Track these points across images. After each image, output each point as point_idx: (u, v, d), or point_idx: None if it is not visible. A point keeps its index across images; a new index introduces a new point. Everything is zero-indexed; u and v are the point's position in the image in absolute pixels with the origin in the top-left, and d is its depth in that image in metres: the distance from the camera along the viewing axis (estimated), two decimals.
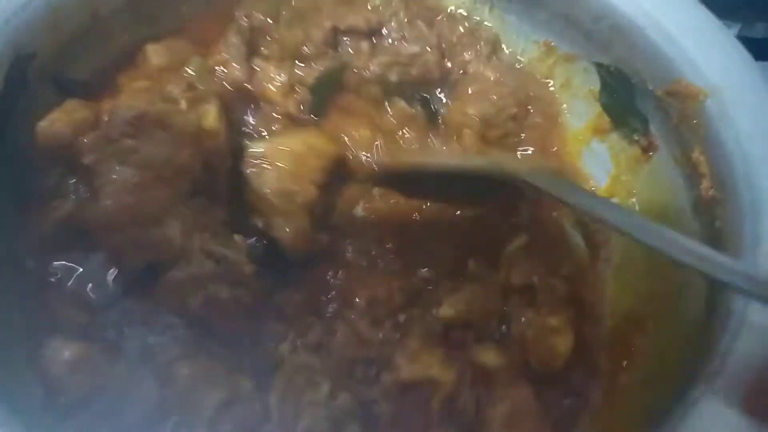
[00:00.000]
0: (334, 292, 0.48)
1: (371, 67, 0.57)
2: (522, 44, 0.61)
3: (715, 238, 0.44)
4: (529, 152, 0.58)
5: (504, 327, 0.48)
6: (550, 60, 0.60)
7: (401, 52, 0.58)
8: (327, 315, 0.47)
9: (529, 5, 0.59)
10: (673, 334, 0.45)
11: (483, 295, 0.48)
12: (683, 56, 0.48)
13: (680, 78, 0.48)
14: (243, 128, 0.53)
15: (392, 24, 0.58)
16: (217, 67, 0.54)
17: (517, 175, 0.44)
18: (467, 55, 0.59)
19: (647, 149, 0.53)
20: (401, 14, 0.59)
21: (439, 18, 0.60)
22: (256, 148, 0.49)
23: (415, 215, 0.53)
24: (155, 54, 0.54)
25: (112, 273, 0.44)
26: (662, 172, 0.52)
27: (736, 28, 0.86)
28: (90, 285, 0.44)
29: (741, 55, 0.47)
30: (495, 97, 0.57)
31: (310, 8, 0.59)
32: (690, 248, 0.33)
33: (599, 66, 0.56)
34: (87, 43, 0.52)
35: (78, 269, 0.44)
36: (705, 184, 0.46)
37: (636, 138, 0.54)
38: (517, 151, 0.58)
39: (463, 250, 0.51)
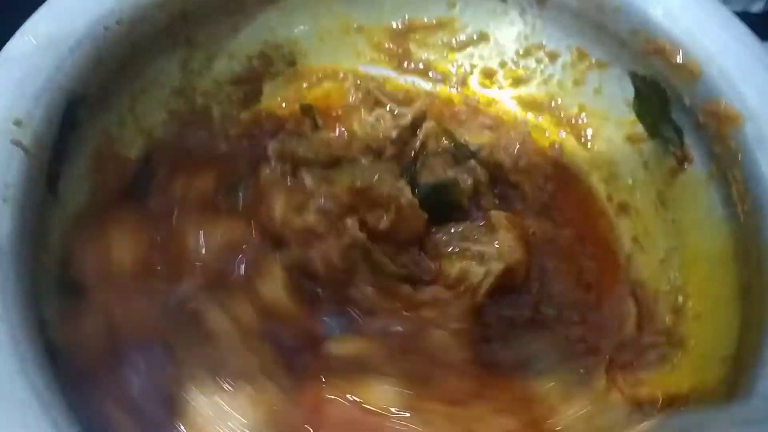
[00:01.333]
0: None
1: None
2: (554, 48, 0.63)
3: (746, 257, 0.48)
4: None
5: None
6: (583, 65, 0.62)
7: None
8: None
9: (561, 11, 0.60)
10: None
11: None
12: (722, 76, 0.49)
13: (719, 98, 0.50)
14: None
15: None
16: None
17: None
18: None
19: (682, 161, 0.55)
20: None
21: None
22: None
23: None
24: None
25: None
26: (697, 185, 0.54)
27: (761, 3, 0.86)
28: None
29: None
30: None
31: None
32: None
33: (634, 75, 0.58)
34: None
35: None
36: (740, 206, 0.49)
37: (671, 149, 0.56)
38: None
39: None
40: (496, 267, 0.52)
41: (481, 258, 0.52)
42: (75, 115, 0.48)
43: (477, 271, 0.52)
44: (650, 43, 0.54)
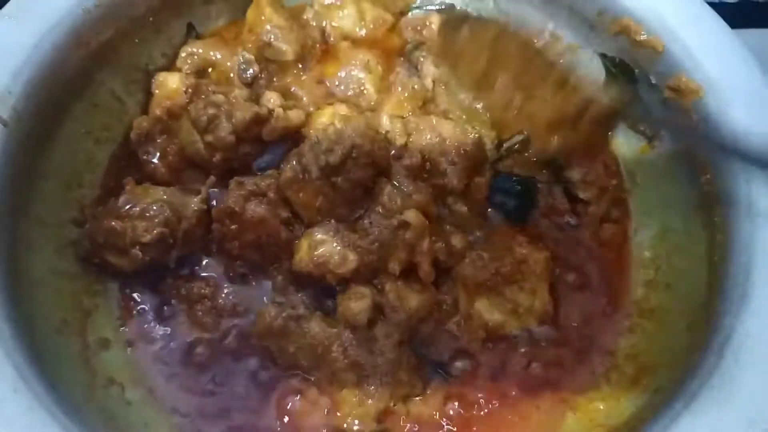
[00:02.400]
0: None
1: None
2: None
3: (715, 228, 0.49)
4: None
5: None
6: (556, 49, 0.63)
7: None
8: None
9: None
10: None
11: None
12: (684, 51, 0.52)
13: (680, 73, 0.52)
14: None
15: None
16: None
17: None
18: None
19: (651, 139, 0.57)
20: None
21: None
22: None
23: None
24: None
25: None
26: (666, 162, 0.56)
27: None
28: None
29: (740, 49, 0.51)
30: None
31: None
32: None
33: (604, 57, 0.60)
34: None
35: None
36: (704, 177, 0.50)
37: (641, 128, 0.58)
38: None
39: None
40: (532, 324, 0.53)
41: (515, 310, 0.53)
42: (54, 92, 0.51)
43: (512, 325, 0.53)
44: (616, 23, 0.56)
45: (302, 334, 0.49)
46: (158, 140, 0.56)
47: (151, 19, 0.58)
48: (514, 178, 0.58)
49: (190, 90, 0.56)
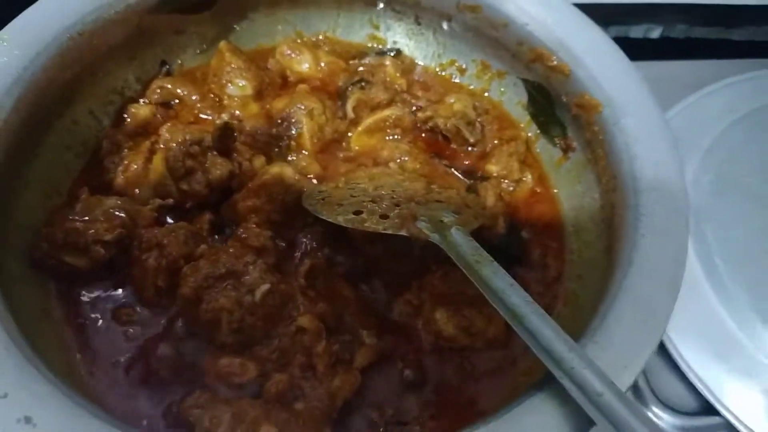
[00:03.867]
0: None
1: None
2: (463, 62, 0.75)
3: (612, 225, 0.58)
4: None
5: None
6: (486, 75, 0.74)
7: None
8: None
9: (465, 30, 0.73)
10: None
11: None
12: (587, 74, 0.62)
13: (584, 92, 0.62)
14: None
15: None
16: None
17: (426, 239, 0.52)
18: None
19: (566, 151, 0.67)
20: None
21: None
22: None
23: None
24: None
25: None
26: (579, 170, 0.66)
27: (658, 30, 1.02)
28: None
29: (632, 70, 0.62)
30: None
31: None
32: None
33: (525, 81, 0.70)
34: None
35: None
36: (605, 180, 0.60)
37: (557, 142, 0.68)
38: None
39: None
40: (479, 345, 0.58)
41: (467, 329, 0.57)
42: (40, 108, 0.58)
43: (462, 341, 0.58)
44: (532, 52, 0.66)
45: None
46: (125, 153, 0.64)
47: (127, 47, 0.67)
48: None
49: (160, 117, 0.65)
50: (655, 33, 1.03)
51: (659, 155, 0.56)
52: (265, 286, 0.53)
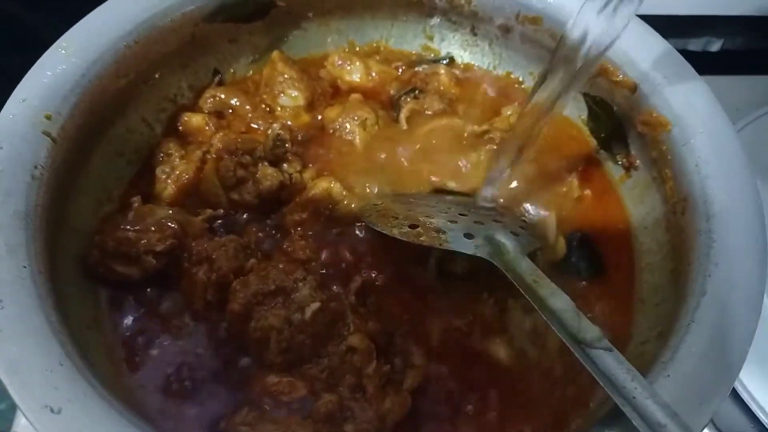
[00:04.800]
0: None
1: None
2: (520, 74, 0.73)
3: (681, 250, 0.54)
4: None
5: None
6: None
7: None
8: None
9: (524, 42, 0.71)
10: None
11: None
12: (653, 90, 0.59)
13: (651, 109, 0.59)
14: None
15: None
16: None
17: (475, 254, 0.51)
18: None
19: (628, 169, 0.65)
20: None
21: None
22: None
23: None
24: None
25: None
26: (642, 189, 0.63)
27: (718, 44, 0.98)
28: None
29: (701, 87, 0.58)
30: None
31: None
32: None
33: (586, 96, 0.68)
34: None
35: None
36: (672, 201, 0.57)
37: (619, 159, 0.66)
38: None
39: None
40: None
41: None
42: (96, 115, 0.58)
43: None
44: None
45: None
46: (176, 163, 0.63)
47: (180, 55, 0.66)
48: None
49: (212, 127, 0.65)
50: (715, 46, 1.00)
51: (733, 178, 0.53)
52: (315, 305, 0.52)
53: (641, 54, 0.61)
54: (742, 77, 0.98)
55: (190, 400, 0.51)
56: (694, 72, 0.59)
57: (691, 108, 0.57)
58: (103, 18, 0.60)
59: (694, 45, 0.99)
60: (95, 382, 0.43)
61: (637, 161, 0.64)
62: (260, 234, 0.60)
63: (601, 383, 0.40)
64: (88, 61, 0.57)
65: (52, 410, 0.39)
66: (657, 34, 0.62)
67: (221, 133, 0.61)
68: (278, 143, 0.61)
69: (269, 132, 0.63)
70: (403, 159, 0.67)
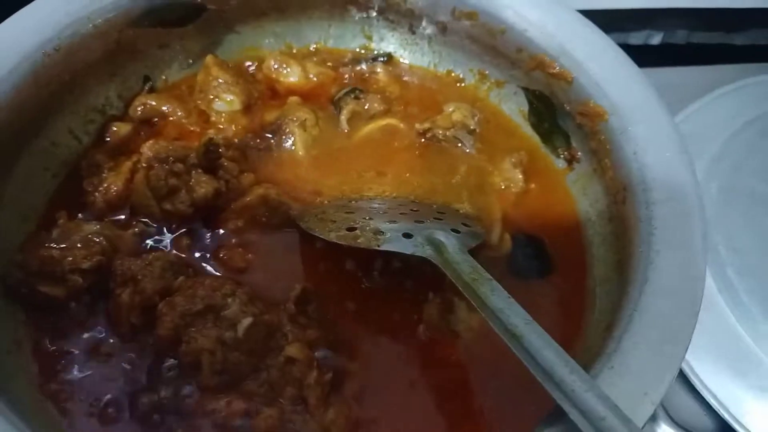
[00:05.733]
0: None
1: None
2: (460, 72, 0.72)
3: (623, 239, 0.54)
4: None
5: None
6: (485, 85, 0.71)
7: None
8: None
9: (462, 38, 0.70)
10: None
11: None
12: (590, 80, 0.59)
13: (588, 99, 0.59)
14: None
15: None
16: None
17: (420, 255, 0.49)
18: None
19: (570, 161, 0.64)
20: None
21: None
22: None
23: None
24: None
25: None
26: (584, 181, 0.62)
27: (659, 37, 0.99)
28: None
29: (638, 77, 0.58)
30: None
31: None
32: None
33: (526, 90, 0.67)
34: None
35: None
36: (613, 191, 0.56)
37: (561, 152, 0.65)
38: None
39: None
40: None
41: None
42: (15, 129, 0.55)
43: None
44: (532, 59, 0.63)
45: None
46: (105, 175, 0.60)
47: (107, 63, 0.63)
48: None
49: (144, 135, 0.62)
50: (656, 39, 1.01)
51: (671, 165, 0.52)
52: (248, 320, 0.49)
53: (577, 45, 0.61)
54: (682, 68, 0.99)
55: (119, 428, 0.48)
56: (630, 62, 0.59)
57: (628, 97, 0.57)
58: (21, 24, 0.57)
59: (635, 39, 1.00)
60: (14, 418, 0.40)
61: (579, 153, 0.63)
62: (195, 244, 0.57)
63: (539, 379, 0.39)
64: (3, 71, 0.54)
65: None
66: (594, 26, 0.62)
67: (151, 141, 0.58)
68: (211, 148, 0.58)
69: (202, 139, 0.60)
70: (344, 160, 0.65)
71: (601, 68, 0.59)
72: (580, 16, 0.63)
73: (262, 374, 0.49)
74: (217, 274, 0.56)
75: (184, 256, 0.57)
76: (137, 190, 0.57)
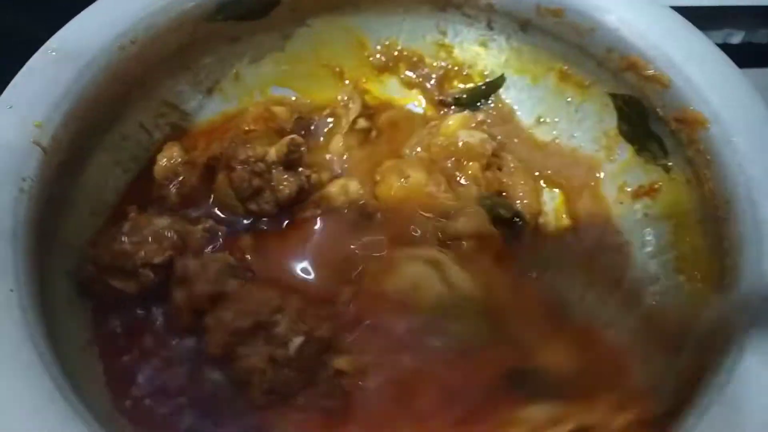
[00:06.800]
0: None
1: None
2: (540, 72, 0.68)
3: (723, 255, 0.50)
4: None
5: None
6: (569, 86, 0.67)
7: None
8: None
9: (544, 36, 0.66)
10: None
11: None
12: (688, 85, 0.54)
13: (686, 105, 0.54)
14: None
15: None
16: None
17: None
18: None
19: (668, 170, 0.59)
20: None
21: None
22: None
23: None
24: None
25: None
26: (677, 190, 0.58)
27: (740, 36, 0.93)
28: None
29: (741, 81, 0.54)
30: None
31: None
32: None
33: (613, 96, 0.63)
34: None
35: None
36: (713, 203, 0.52)
37: (657, 161, 0.60)
38: None
39: None
40: None
41: None
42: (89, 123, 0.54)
43: None
44: (624, 60, 0.59)
45: None
46: (179, 170, 0.59)
47: (180, 57, 0.62)
48: None
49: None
50: (736, 38, 0.95)
51: None
52: (299, 339, 0.48)
53: (673, 46, 0.56)
54: (764, 70, 0.93)
55: None
56: (733, 65, 0.55)
57: (731, 103, 0.52)
58: (96, 17, 0.56)
59: (715, 38, 0.94)
60: (89, 418, 0.38)
61: (672, 161, 0.59)
62: (260, 244, 0.56)
63: None
64: (80, 65, 0.53)
65: None
66: (691, 24, 0.57)
67: (230, 139, 0.57)
68: (293, 149, 0.57)
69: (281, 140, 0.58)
70: None
71: (702, 71, 0.54)
72: (676, 14, 0.59)
73: (312, 389, 0.48)
74: (269, 284, 0.54)
75: (248, 257, 0.56)
76: (220, 189, 0.56)
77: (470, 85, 0.71)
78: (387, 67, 0.72)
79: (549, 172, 0.66)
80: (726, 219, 0.50)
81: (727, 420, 0.39)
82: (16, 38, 0.59)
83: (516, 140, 0.68)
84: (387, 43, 0.71)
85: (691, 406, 0.41)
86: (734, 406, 0.40)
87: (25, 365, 0.38)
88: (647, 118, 0.60)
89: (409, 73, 0.72)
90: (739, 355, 0.42)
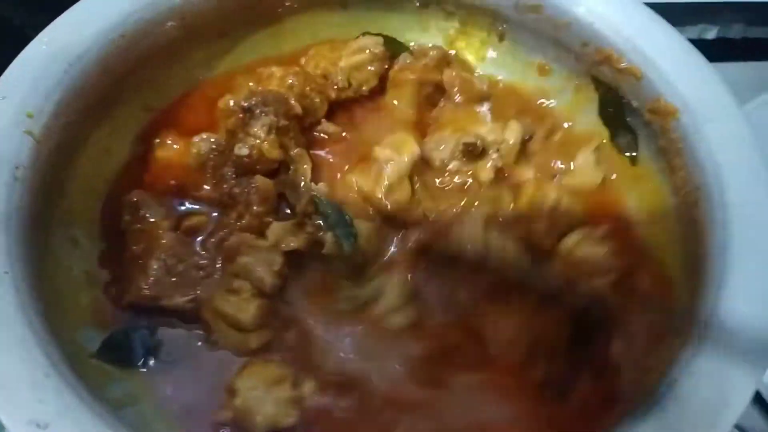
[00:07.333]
0: None
1: None
2: (520, 67, 0.70)
3: (695, 241, 0.52)
4: None
5: None
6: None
7: None
8: None
9: (522, 31, 0.68)
10: None
11: None
12: (660, 77, 0.57)
13: (659, 97, 0.57)
14: None
15: None
16: None
17: None
18: None
19: (634, 161, 0.63)
20: None
21: None
22: None
23: None
24: None
25: None
26: (651, 179, 0.61)
27: (714, 31, 0.96)
28: None
29: (710, 73, 0.56)
30: None
31: None
32: None
33: (597, 81, 0.65)
34: None
35: None
36: (683, 192, 0.55)
37: (627, 152, 0.63)
38: None
39: None
40: None
41: None
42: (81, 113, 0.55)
43: None
44: (599, 53, 0.61)
45: None
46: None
47: (171, 49, 0.63)
48: None
49: None
50: (711, 34, 0.97)
51: (749, 165, 0.51)
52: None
53: (646, 40, 0.58)
54: (738, 64, 0.96)
55: None
56: (702, 57, 0.57)
57: (700, 94, 0.55)
58: (87, 11, 0.57)
59: (689, 33, 0.97)
60: (84, 394, 0.40)
61: (646, 151, 0.61)
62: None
63: None
64: (71, 57, 0.54)
65: (38, 425, 0.37)
66: (663, 20, 0.60)
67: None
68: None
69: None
70: None
71: (673, 64, 0.57)
72: (649, 9, 0.61)
73: None
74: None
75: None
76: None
77: None
78: None
79: None
80: (695, 204, 0.53)
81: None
82: (9, 31, 0.60)
83: None
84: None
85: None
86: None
87: (19, 342, 0.40)
88: (623, 109, 0.62)
89: None
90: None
